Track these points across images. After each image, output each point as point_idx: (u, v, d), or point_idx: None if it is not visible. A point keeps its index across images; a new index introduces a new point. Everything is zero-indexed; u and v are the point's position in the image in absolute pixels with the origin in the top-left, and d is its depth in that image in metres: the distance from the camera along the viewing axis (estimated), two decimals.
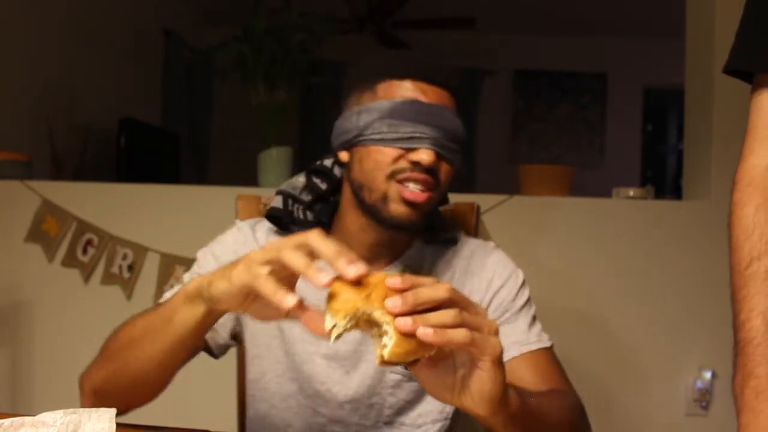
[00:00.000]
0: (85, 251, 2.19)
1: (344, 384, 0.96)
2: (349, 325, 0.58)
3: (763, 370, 0.70)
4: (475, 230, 1.24)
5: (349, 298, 0.58)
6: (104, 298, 2.17)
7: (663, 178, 5.92)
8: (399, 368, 0.96)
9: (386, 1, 4.28)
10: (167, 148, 3.79)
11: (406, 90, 0.90)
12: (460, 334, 0.58)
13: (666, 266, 2.14)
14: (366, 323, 0.59)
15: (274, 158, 2.20)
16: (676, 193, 4.91)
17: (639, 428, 2.14)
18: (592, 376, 2.13)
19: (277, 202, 0.99)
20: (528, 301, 1.02)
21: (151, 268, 2.16)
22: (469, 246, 1.04)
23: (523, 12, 4.96)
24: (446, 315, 0.59)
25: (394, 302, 0.58)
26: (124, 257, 2.18)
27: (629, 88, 5.51)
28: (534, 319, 1.01)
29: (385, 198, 0.89)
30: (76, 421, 0.66)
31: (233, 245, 0.99)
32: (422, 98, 0.90)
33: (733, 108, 2.13)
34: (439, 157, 0.89)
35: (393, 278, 0.59)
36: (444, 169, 0.91)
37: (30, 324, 2.21)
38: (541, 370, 0.93)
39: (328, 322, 0.59)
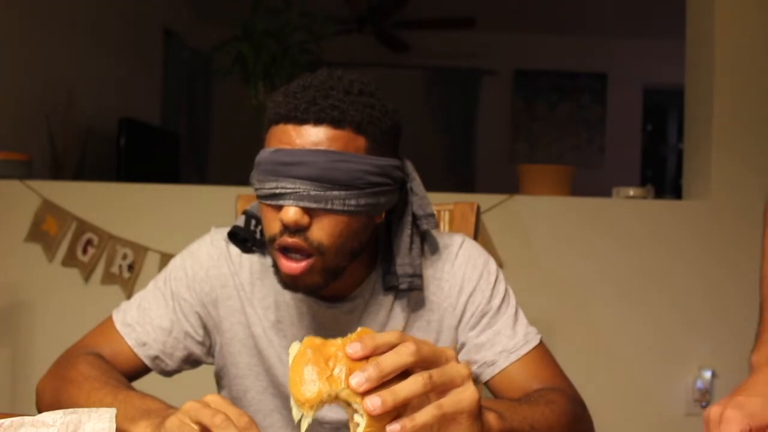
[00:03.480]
0: (85, 251, 2.19)
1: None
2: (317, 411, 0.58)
3: None
4: (476, 230, 1.24)
5: (313, 381, 0.56)
6: (104, 298, 2.17)
7: (663, 178, 5.92)
8: None
9: (386, 1, 4.28)
10: (167, 148, 3.79)
11: (280, 135, 0.81)
12: (431, 414, 0.57)
13: (666, 266, 2.14)
14: (336, 399, 0.58)
15: None
16: (676, 193, 4.91)
17: (639, 428, 2.14)
18: (592, 375, 2.13)
19: (240, 221, 0.96)
20: (505, 295, 0.96)
21: (151, 268, 2.16)
22: (438, 249, 0.97)
23: (523, 12, 4.96)
24: (415, 384, 0.57)
25: (359, 381, 0.55)
26: (124, 257, 2.18)
27: (629, 88, 5.52)
28: (516, 313, 0.95)
29: (274, 263, 0.85)
30: (76, 421, 0.66)
31: (207, 262, 0.97)
32: (295, 142, 0.79)
33: (733, 108, 2.13)
34: (311, 211, 0.79)
35: (353, 345, 0.57)
36: (326, 223, 0.80)
37: (30, 324, 2.21)
38: (534, 371, 0.90)
39: (296, 414, 0.58)
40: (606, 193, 2.33)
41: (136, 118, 3.38)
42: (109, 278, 2.18)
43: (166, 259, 2.14)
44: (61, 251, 2.19)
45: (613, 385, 2.14)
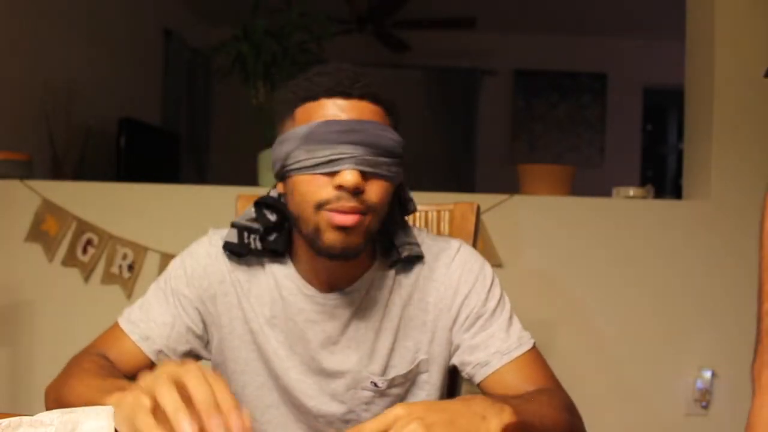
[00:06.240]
0: (85, 251, 2.19)
1: (318, 399, 0.97)
2: None
3: None
4: (476, 230, 1.24)
5: None
6: (104, 298, 2.17)
7: (663, 178, 5.92)
8: (370, 385, 0.96)
9: (386, 1, 4.27)
10: (167, 148, 3.80)
11: (323, 109, 0.85)
12: None
13: (666, 266, 2.14)
14: None
15: None
16: (676, 193, 4.90)
17: (639, 428, 2.14)
18: (592, 375, 2.13)
19: (232, 236, 0.97)
20: (500, 299, 0.98)
21: (151, 267, 2.16)
22: (434, 251, 0.99)
23: (523, 12, 4.96)
24: None
25: None
26: (124, 257, 2.18)
27: (629, 88, 5.51)
28: (511, 318, 0.97)
29: (317, 228, 0.86)
30: (74, 420, 0.66)
31: (205, 260, 0.99)
32: (341, 116, 0.84)
33: (733, 108, 2.13)
34: (365, 175, 0.84)
35: None
36: (376, 187, 0.85)
37: (30, 324, 2.21)
38: (527, 374, 0.92)
39: None
40: (606, 193, 2.33)
41: (136, 118, 3.38)
42: (109, 278, 2.18)
43: (166, 259, 2.14)
44: (61, 251, 2.19)
45: (613, 385, 2.14)
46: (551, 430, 0.78)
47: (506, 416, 0.68)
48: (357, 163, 0.83)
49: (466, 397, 0.71)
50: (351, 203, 0.83)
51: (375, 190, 0.85)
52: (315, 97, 0.86)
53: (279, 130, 0.91)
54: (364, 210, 0.84)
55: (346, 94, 0.85)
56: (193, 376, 0.63)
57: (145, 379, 0.65)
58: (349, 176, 0.82)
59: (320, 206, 0.84)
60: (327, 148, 0.83)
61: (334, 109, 0.85)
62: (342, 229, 0.84)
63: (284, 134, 0.88)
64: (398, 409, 0.66)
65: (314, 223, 0.86)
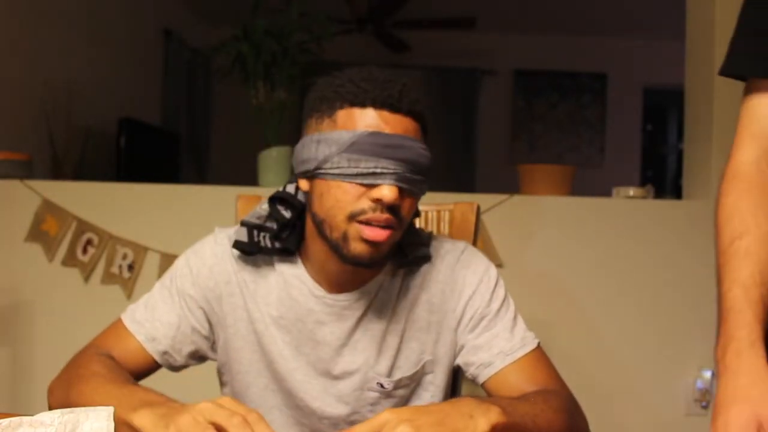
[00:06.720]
0: (85, 251, 2.19)
1: (323, 400, 0.97)
2: None
3: (744, 333, 0.77)
4: (476, 230, 1.24)
5: None
6: (104, 297, 2.17)
7: (663, 178, 5.92)
8: (376, 386, 0.97)
9: (386, 1, 4.27)
10: (167, 148, 3.80)
11: (368, 119, 0.84)
12: None
13: (666, 266, 2.14)
14: None
15: (274, 158, 2.20)
16: (676, 193, 4.91)
17: (639, 428, 2.14)
18: (592, 375, 2.13)
19: (241, 234, 0.96)
20: (504, 300, 0.99)
21: (151, 267, 2.16)
22: (440, 253, 1.01)
23: (523, 12, 4.96)
24: None
25: None
26: (124, 257, 2.18)
27: (629, 88, 5.52)
28: (515, 318, 0.98)
29: (345, 237, 0.86)
30: (74, 420, 0.66)
31: (210, 259, 0.98)
32: (385, 128, 0.84)
33: (733, 108, 2.12)
34: (402, 192, 0.85)
35: None
36: (408, 203, 0.88)
37: (30, 324, 2.21)
38: (530, 374, 0.92)
39: None
40: (606, 193, 2.33)
41: (136, 118, 3.38)
42: (109, 278, 2.18)
43: (166, 259, 2.14)
44: (61, 251, 2.19)
45: (613, 385, 2.14)
46: (545, 430, 0.78)
47: (493, 416, 0.70)
48: (397, 179, 0.84)
49: (454, 399, 0.73)
50: (385, 215, 0.84)
51: (406, 206, 0.87)
52: (362, 104, 0.85)
53: (312, 126, 0.89)
54: (395, 224, 0.86)
55: (394, 108, 0.85)
56: (232, 420, 0.65)
57: (183, 420, 0.66)
58: (387, 191, 0.83)
59: (353, 216, 0.85)
60: (371, 160, 0.83)
61: (380, 120, 0.85)
62: (370, 243, 0.85)
63: (322, 134, 0.86)
64: (386, 414, 0.67)
65: (343, 231, 0.86)
